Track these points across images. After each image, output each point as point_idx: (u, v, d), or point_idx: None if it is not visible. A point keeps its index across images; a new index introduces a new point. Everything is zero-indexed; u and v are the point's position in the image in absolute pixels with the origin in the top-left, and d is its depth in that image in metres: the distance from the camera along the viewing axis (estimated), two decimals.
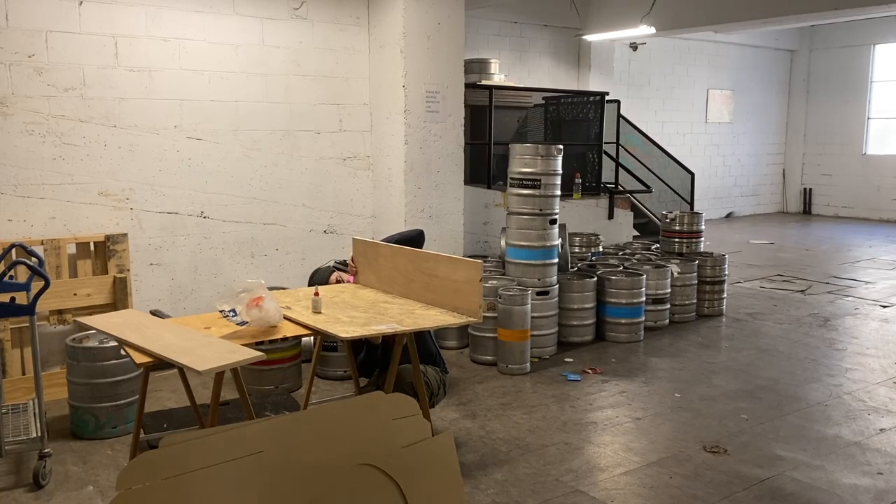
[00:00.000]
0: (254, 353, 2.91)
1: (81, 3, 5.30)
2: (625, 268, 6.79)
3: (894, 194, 14.75)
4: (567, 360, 5.89)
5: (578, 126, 9.07)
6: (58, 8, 5.23)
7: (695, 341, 6.46)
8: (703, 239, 7.69)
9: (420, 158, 6.41)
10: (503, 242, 6.26)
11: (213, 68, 5.92)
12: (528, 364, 5.61)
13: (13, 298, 3.75)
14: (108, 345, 4.38)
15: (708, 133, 14.88)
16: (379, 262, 4.15)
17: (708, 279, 7.26)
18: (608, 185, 8.92)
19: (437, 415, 4.59)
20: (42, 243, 5.05)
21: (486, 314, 5.51)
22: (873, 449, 4.24)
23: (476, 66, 8.91)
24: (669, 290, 6.84)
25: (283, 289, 4.73)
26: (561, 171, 5.98)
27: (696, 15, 10.07)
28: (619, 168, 9.32)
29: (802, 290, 8.43)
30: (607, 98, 8.92)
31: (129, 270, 5.37)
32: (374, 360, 4.24)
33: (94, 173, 5.46)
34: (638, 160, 10.49)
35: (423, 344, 4.16)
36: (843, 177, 15.46)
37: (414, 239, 4.45)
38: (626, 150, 10.10)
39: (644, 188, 9.70)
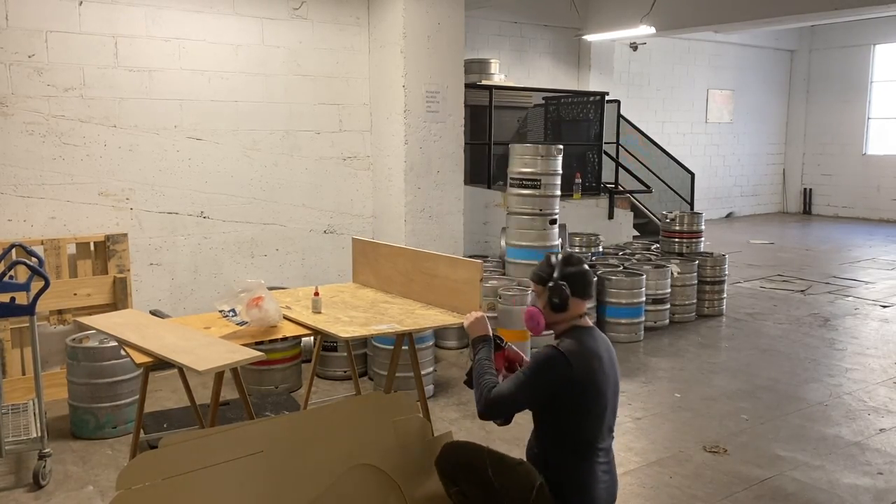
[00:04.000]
0: (254, 353, 2.91)
1: (81, 3, 5.30)
2: (625, 268, 6.78)
3: (894, 194, 14.75)
4: None
5: (578, 126, 9.07)
6: (58, 8, 5.22)
7: (695, 341, 6.46)
8: (703, 239, 7.69)
9: (420, 158, 6.41)
10: (503, 242, 6.27)
11: (213, 68, 5.92)
12: None
13: (13, 298, 3.75)
14: (108, 345, 4.38)
15: (708, 133, 14.88)
16: (379, 262, 4.15)
17: (708, 279, 7.26)
18: (608, 185, 8.92)
19: (436, 415, 4.60)
20: (42, 243, 5.05)
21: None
22: (873, 449, 4.24)
23: (476, 66, 8.91)
24: (669, 290, 6.83)
25: (283, 289, 4.72)
26: (561, 171, 5.98)
27: (696, 15, 10.07)
28: (619, 168, 9.32)
29: (802, 290, 8.43)
30: (607, 98, 8.93)
31: (129, 270, 5.37)
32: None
33: (94, 173, 5.46)
34: (638, 160, 10.49)
35: None
36: (843, 177, 15.46)
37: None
38: (625, 150, 10.10)
39: (644, 188, 9.70)
